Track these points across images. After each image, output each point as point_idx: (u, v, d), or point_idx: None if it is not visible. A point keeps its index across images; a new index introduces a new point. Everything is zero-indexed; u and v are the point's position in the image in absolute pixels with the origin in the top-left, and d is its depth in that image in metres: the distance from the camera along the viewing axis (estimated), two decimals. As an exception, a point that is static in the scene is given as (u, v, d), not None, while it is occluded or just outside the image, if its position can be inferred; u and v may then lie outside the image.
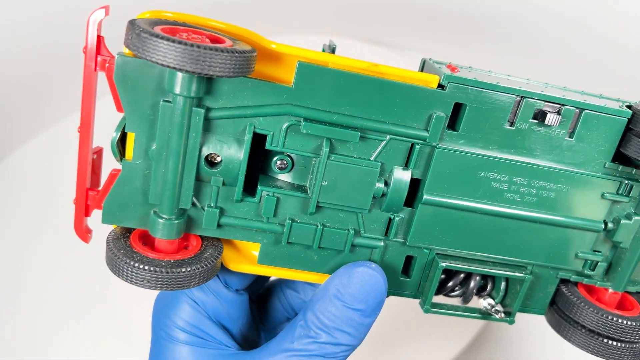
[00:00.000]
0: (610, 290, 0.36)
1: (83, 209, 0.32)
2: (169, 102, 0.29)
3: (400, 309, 0.70)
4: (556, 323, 0.37)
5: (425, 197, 0.32)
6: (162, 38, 0.25)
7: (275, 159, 0.32)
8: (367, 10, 0.69)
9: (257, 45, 0.29)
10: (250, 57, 0.27)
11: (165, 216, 0.31)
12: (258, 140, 0.31)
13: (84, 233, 0.33)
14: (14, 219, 0.64)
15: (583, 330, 0.35)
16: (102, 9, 0.28)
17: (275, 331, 0.42)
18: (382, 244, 0.34)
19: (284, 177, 0.33)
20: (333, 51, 0.36)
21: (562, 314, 0.36)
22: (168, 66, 0.25)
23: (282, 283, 0.42)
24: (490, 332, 0.71)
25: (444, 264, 0.34)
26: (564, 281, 0.37)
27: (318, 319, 0.32)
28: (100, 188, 0.32)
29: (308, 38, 0.70)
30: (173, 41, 0.25)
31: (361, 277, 0.32)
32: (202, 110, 0.29)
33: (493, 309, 0.35)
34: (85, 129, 0.30)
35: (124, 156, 0.31)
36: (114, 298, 0.64)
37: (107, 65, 0.29)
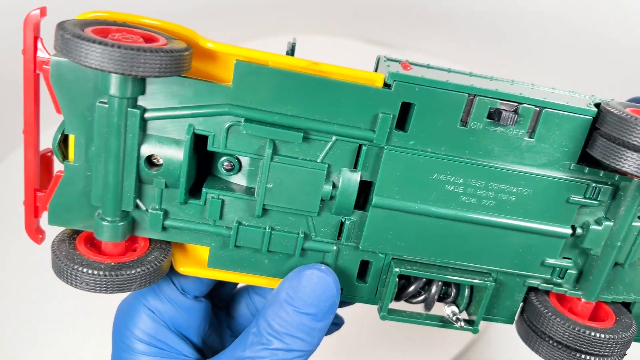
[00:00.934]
0: (583, 299, 0.34)
1: (32, 210, 0.32)
2: (104, 103, 0.28)
3: (400, 309, 0.69)
4: (524, 334, 0.35)
5: (375, 200, 0.31)
6: (83, 39, 0.25)
7: (221, 160, 0.32)
8: (367, 10, 0.68)
9: (194, 43, 0.29)
10: (179, 56, 0.26)
11: (108, 218, 0.30)
12: (202, 140, 0.30)
13: (34, 234, 0.33)
14: (14, 218, 0.65)
15: (551, 342, 0.33)
16: (37, 10, 0.28)
17: None
18: (334, 248, 0.33)
19: (233, 179, 0.32)
20: (293, 49, 0.35)
21: (530, 325, 0.35)
22: (90, 67, 0.25)
23: (249, 289, 0.41)
24: (491, 332, 0.69)
25: (398, 270, 0.32)
26: (535, 289, 0.35)
27: (269, 325, 0.31)
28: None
29: (308, 38, 0.70)
30: (93, 42, 0.25)
31: (310, 280, 0.31)
32: (138, 111, 0.28)
33: (454, 317, 0.34)
34: (29, 130, 0.30)
35: (67, 157, 0.31)
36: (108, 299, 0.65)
37: (44, 66, 0.29)
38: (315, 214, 0.31)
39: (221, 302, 0.41)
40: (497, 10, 0.62)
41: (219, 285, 0.40)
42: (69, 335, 0.65)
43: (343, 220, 0.32)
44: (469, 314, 0.35)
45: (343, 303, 0.44)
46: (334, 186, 0.31)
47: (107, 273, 0.30)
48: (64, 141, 0.31)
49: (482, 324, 0.68)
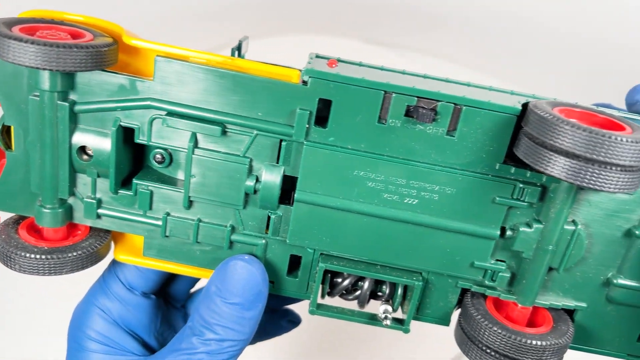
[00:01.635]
0: (518, 304, 0.33)
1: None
2: (36, 96, 0.30)
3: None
4: (460, 339, 0.34)
5: (297, 195, 0.31)
6: (9, 38, 0.27)
7: (154, 152, 0.33)
8: (367, 10, 0.69)
9: (119, 38, 0.30)
10: (104, 50, 0.28)
11: (47, 206, 0.32)
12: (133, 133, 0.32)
13: None
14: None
15: (480, 347, 0.33)
16: (-24, 8, 0.30)
17: None
18: (262, 241, 0.33)
19: (170, 172, 0.33)
20: (239, 48, 0.36)
21: (465, 330, 0.34)
22: (9, 61, 0.27)
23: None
24: None
25: (324, 265, 0.32)
26: (471, 292, 0.34)
27: (202, 318, 0.32)
28: None
29: (308, 38, 0.70)
30: (10, 38, 0.26)
31: (234, 271, 0.32)
32: (67, 105, 0.30)
33: (383, 315, 0.34)
34: (-23, 121, 0.32)
35: (10, 147, 0.33)
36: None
37: (-15, 60, 0.31)
38: (241, 207, 0.32)
39: (178, 302, 0.43)
40: (498, 10, 0.61)
41: (171, 283, 0.41)
42: (27, 339, 0.67)
43: (269, 214, 0.33)
44: (403, 313, 0.35)
45: (290, 299, 0.44)
46: (258, 180, 0.32)
47: (40, 256, 0.31)
48: (7, 131, 0.33)
49: None
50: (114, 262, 0.37)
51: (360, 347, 0.74)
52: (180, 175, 0.33)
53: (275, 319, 0.46)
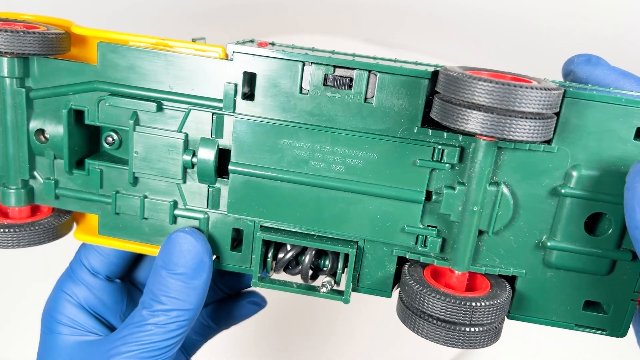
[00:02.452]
0: (455, 271, 0.33)
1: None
2: None
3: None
4: (400, 311, 0.34)
5: (230, 166, 0.33)
6: None
7: (105, 135, 0.36)
8: (367, 10, 0.70)
9: (68, 30, 0.33)
10: (56, 36, 0.31)
11: (11, 187, 0.35)
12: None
13: None
14: None
15: (424, 317, 0.33)
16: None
17: None
18: (204, 216, 0.35)
19: (119, 153, 0.36)
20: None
21: (404, 300, 0.34)
22: None
23: None
24: None
25: (261, 235, 0.34)
26: (409, 263, 0.35)
27: (150, 291, 0.34)
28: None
29: (308, 38, 0.73)
30: None
31: (175, 243, 0.34)
32: (24, 90, 0.33)
33: (321, 284, 0.34)
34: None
35: None
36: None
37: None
38: (182, 182, 0.34)
39: (144, 286, 0.45)
40: (497, 10, 0.62)
41: (136, 268, 0.43)
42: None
43: (209, 188, 0.35)
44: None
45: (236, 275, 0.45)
46: (195, 155, 0.34)
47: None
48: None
49: None
50: (80, 249, 0.40)
51: (360, 348, 0.73)
52: (123, 155, 0.36)
53: (239, 301, 0.47)
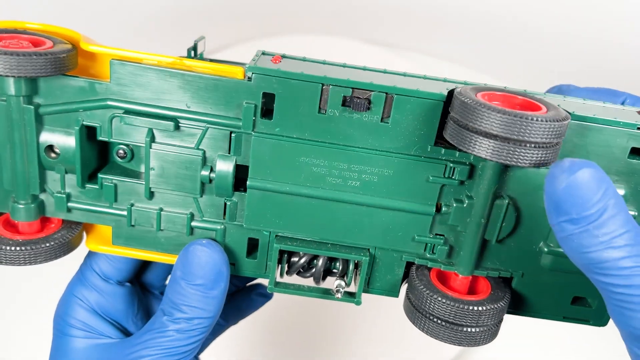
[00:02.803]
0: (459, 275, 0.36)
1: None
2: (4, 100, 0.33)
3: (400, 308, 0.71)
4: (407, 310, 0.37)
5: (249, 182, 0.34)
6: None
7: (116, 148, 0.35)
8: (367, 10, 0.70)
9: (77, 43, 0.33)
10: (64, 56, 0.31)
11: (20, 202, 0.35)
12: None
13: None
14: None
15: (429, 317, 0.35)
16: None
17: None
18: (220, 227, 0.36)
19: (133, 166, 0.36)
20: (195, 48, 0.39)
21: (410, 299, 0.37)
22: None
23: None
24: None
25: (278, 246, 0.35)
26: (416, 265, 0.37)
27: (170, 300, 0.35)
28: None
29: (309, 38, 0.72)
30: None
31: (194, 255, 0.35)
32: (32, 108, 0.33)
33: (335, 289, 0.36)
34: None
35: None
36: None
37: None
38: (198, 196, 0.35)
39: (155, 288, 0.46)
40: (497, 11, 0.63)
41: (146, 271, 0.44)
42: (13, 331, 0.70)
43: (225, 201, 0.35)
44: (356, 287, 0.38)
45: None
46: (212, 170, 0.34)
47: (14, 247, 0.34)
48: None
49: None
50: (89, 255, 0.40)
51: (359, 347, 0.76)
52: (143, 169, 0.36)
53: (246, 294, 0.49)
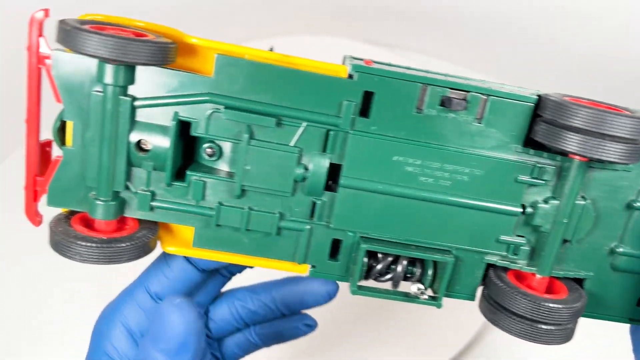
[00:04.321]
0: (537, 275, 0.37)
1: (32, 194, 0.35)
2: (99, 92, 0.32)
3: (400, 309, 0.71)
4: (486, 310, 0.38)
5: (342, 181, 0.34)
6: (84, 31, 0.29)
7: (204, 146, 0.35)
8: (367, 10, 0.71)
9: (179, 40, 0.32)
10: (166, 46, 0.30)
11: (101, 198, 0.34)
12: (187, 128, 0.34)
13: (33, 217, 0.36)
14: (17, 217, 0.67)
15: (512, 316, 0.36)
16: (41, 11, 0.32)
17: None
18: (307, 227, 0.36)
19: (216, 164, 0.36)
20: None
21: (492, 301, 0.37)
22: (88, 54, 0.29)
23: (232, 293, 0.44)
24: (490, 332, 0.71)
25: (365, 246, 0.35)
26: (493, 267, 0.38)
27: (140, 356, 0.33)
28: (47, 175, 0.35)
29: (308, 38, 0.72)
30: (91, 32, 0.29)
31: (161, 311, 0.32)
32: (129, 100, 0.32)
33: (419, 292, 0.37)
34: (32, 119, 0.34)
35: (64, 143, 0.34)
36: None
37: (46, 61, 0.32)
38: (289, 195, 0.35)
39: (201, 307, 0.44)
40: (498, 11, 0.64)
41: (197, 293, 0.42)
42: (77, 333, 0.66)
43: (315, 200, 0.35)
44: (433, 292, 0.38)
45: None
46: (306, 168, 0.34)
47: (99, 245, 0.33)
48: (62, 128, 0.34)
49: (482, 323, 0.70)
50: (145, 275, 0.39)
51: (360, 347, 0.75)
52: (224, 167, 0.36)
53: (292, 322, 0.47)
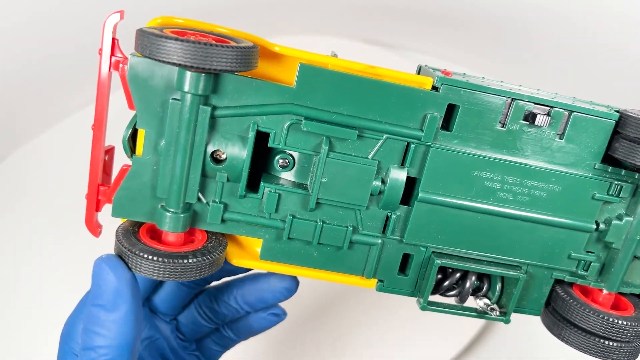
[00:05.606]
0: (605, 291, 0.37)
1: (94, 203, 0.34)
2: (178, 100, 0.30)
3: (400, 309, 0.70)
4: (551, 324, 0.37)
5: (420, 195, 0.34)
6: (168, 38, 0.27)
7: (277, 157, 0.34)
8: (367, 10, 0.70)
9: (260, 47, 0.31)
10: (251, 52, 0.29)
11: (172, 210, 0.32)
12: (261, 139, 0.33)
13: (94, 227, 0.34)
14: (17, 217, 0.65)
15: (579, 331, 0.36)
16: (117, 13, 0.30)
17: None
18: (379, 241, 0.35)
19: (286, 176, 0.35)
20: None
21: (557, 315, 0.37)
22: (173, 63, 0.27)
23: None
24: (490, 332, 0.71)
25: (439, 262, 0.35)
26: (558, 282, 0.38)
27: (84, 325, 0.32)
28: (111, 184, 0.34)
29: (308, 38, 0.71)
30: (178, 40, 0.27)
31: (93, 271, 0.32)
32: (209, 109, 0.31)
33: (489, 308, 0.36)
34: (99, 126, 0.32)
35: (134, 152, 0.33)
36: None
37: (120, 65, 0.31)
38: (364, 208, 0.34)
39: (166, 316, 0.43)
40: (498, 11, 0.64)
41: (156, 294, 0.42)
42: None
43: (389, 214, 0.34)
44: (499, 307, 0.37)
45: (233, 270, 0.44)
46: (383, 182, 0.33)
47: (170, 261, 0.31)
48: (132, 137, 0.33)
49: (481, 324, 0.70)
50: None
51: (359, 347, 0.75)
52: (289, 177, 0.34)
53: (259, 314, 0.45)
